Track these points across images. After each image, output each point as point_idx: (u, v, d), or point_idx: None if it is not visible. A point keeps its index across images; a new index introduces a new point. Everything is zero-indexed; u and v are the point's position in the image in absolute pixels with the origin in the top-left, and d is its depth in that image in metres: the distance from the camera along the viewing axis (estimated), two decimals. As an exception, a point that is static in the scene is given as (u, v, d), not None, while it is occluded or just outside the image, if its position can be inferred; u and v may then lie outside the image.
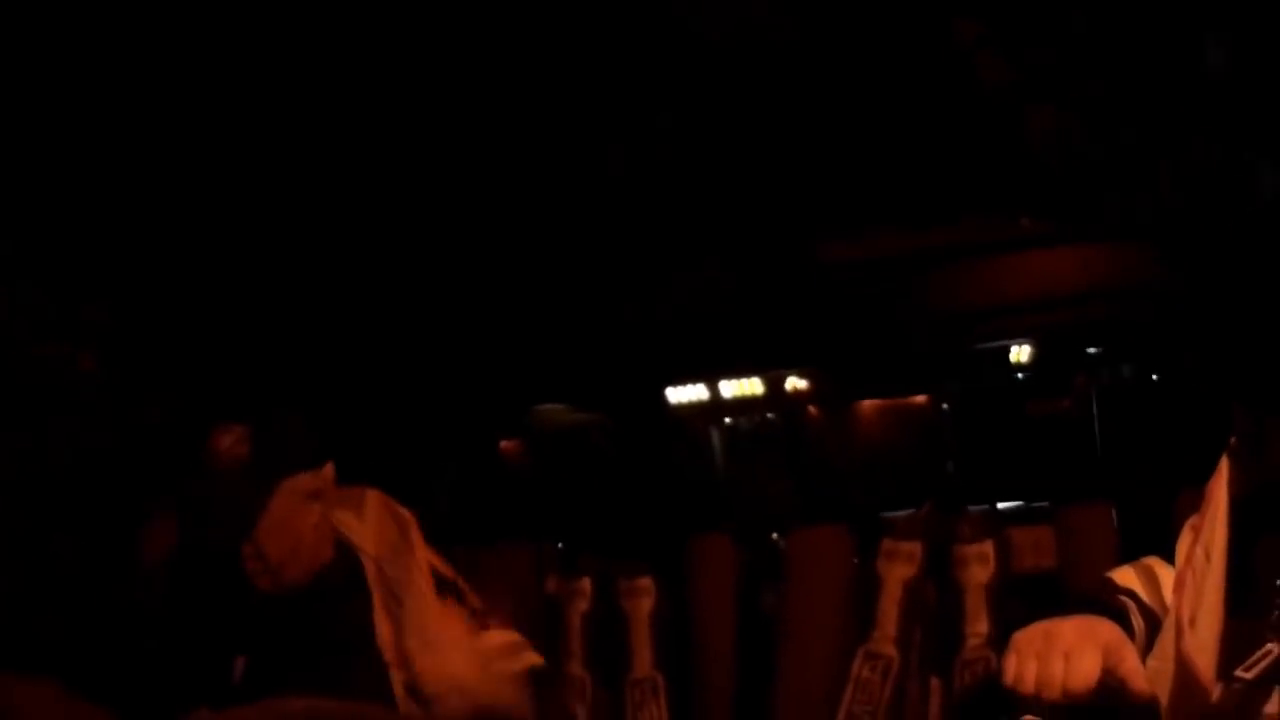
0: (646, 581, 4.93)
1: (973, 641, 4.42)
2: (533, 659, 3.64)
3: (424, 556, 3.60)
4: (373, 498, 3.64)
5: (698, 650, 4.83)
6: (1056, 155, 5.41)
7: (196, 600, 3.45)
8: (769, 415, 9.59)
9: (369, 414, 5.89)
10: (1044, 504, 4.85)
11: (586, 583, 5.00)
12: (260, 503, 3.35)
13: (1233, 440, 2.54)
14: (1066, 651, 2.27)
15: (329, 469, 3.48)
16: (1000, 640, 3.92)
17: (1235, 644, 2.32)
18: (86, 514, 4.05)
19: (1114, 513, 4.47)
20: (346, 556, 3.50)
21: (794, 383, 9.26)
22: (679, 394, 9.02)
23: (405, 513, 3.67)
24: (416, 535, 3.63)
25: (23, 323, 4.53)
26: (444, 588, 3.60)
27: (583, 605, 4.97)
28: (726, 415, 9.54)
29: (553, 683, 3.70)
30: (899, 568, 4.61)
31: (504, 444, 8.57)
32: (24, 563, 3.89)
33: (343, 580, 3.46)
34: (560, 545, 5.26)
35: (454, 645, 3.49)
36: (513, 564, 5.08)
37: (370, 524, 3.58)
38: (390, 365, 5.97)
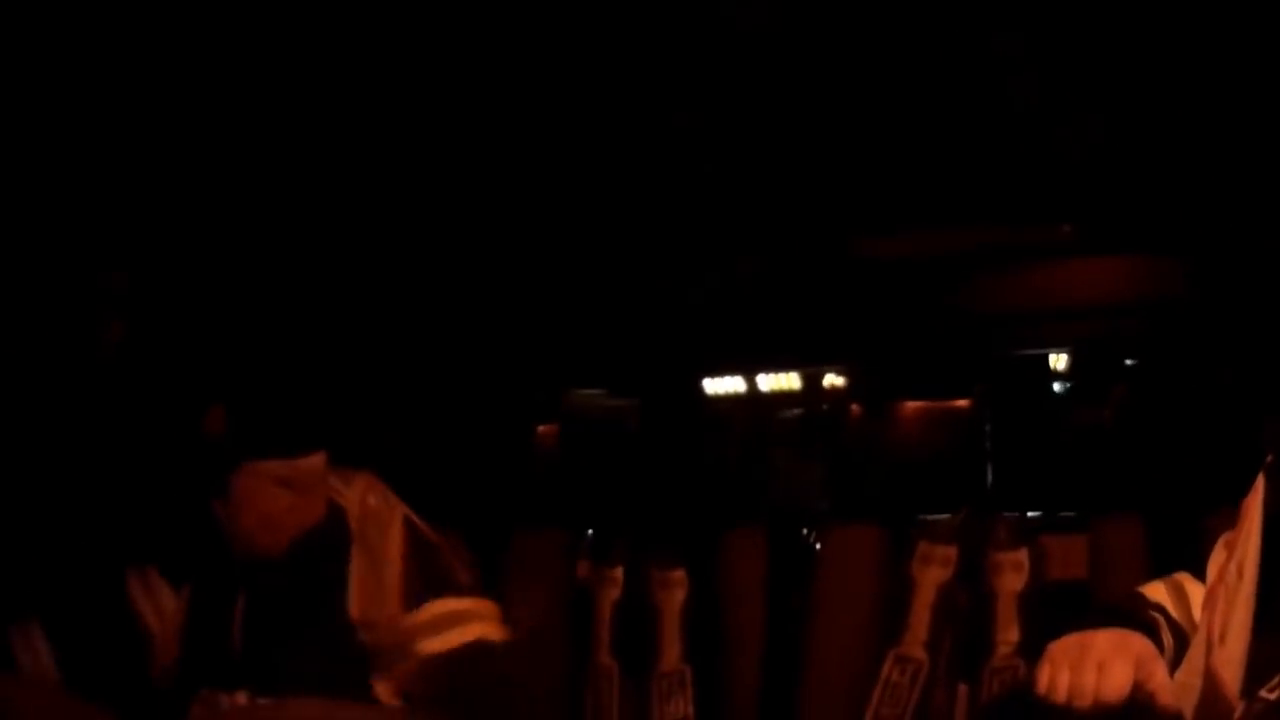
0: (679, 574, 4.92)
1: (1003, 649, 4.41)
2: (483, 630, 3.64)
3: (402, 514, 3.65)
4: (362, 475, 3.71)
5: (727, 645, 4.83)
6: (1101, 165, 5.41)
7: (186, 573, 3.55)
8: (807, 410, 9.60)
9: (404, 400, 5.92)
10: (1077, 514, 4.84)
11: (619, 571, 4.99)
12: (226, 478, 3.46)
13: (1270, 457, 2.55)
14: (1100, 662, 2.28)
15: (314, 460, 3.55)
16: (1030, 649, 3.92)
17: (1261, 662, 2.34)
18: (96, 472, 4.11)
19: (1146, 526, 4.46)
20: (335, 519, 3.56)
21: (832, 379, 9.28)
22: (716, 385, 9.04)
23: (392, 496, 3.73)
24: (399, 505, 3.68)
25: (42, 291, 4.58)
26: (420, 552, 3.65)
27: (614, 593, 4.97)
28: (764, 408, 9.55)
29: (505, 653, 3.68)
30: (933, 571, 4.60)
31: (540, 429, 8.59)
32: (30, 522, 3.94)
33: (325, 544, 3.53)
34: (593, 532, 5.26)
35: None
36: (545, 549, 5.08)
37: (355, 490, 3.65)
38: (426, 351, 5.99)
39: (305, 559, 3.51)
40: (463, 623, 3.58)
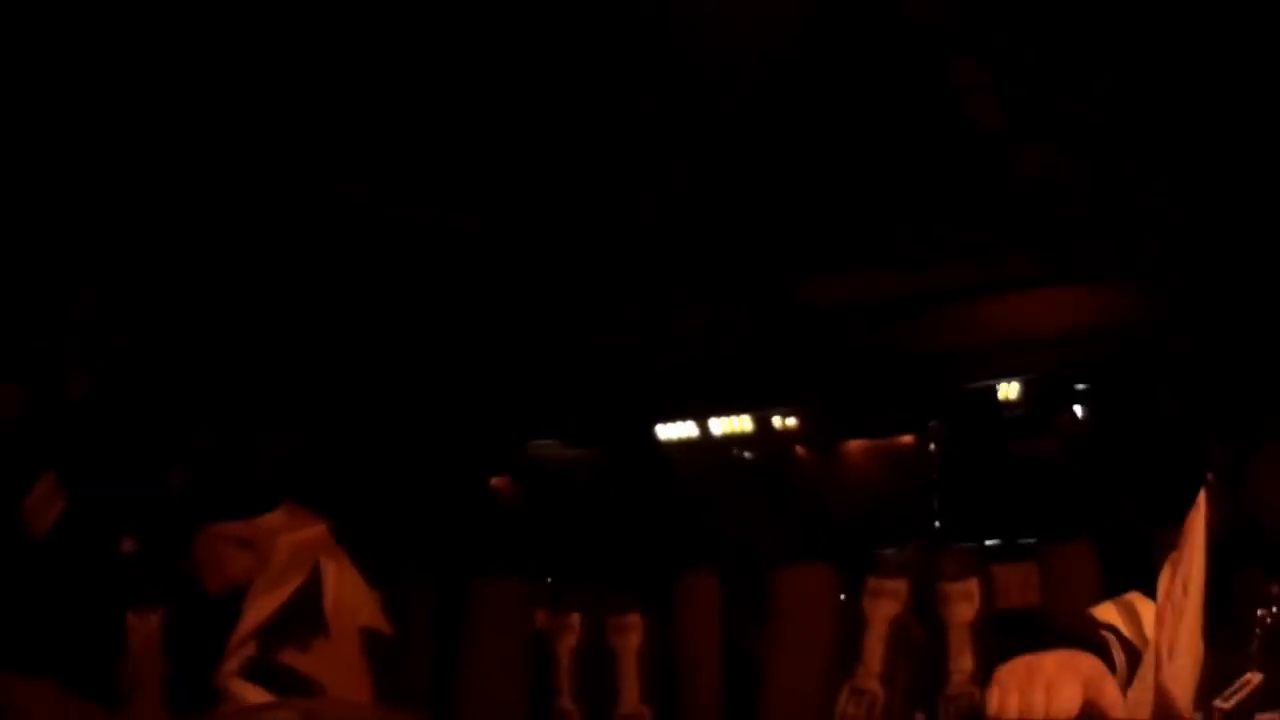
0: (634, 618, 4.94)
1: (957, 678, 4.43)
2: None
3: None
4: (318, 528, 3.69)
5: (684, 686, 4.84)
6: (1044, 198, 5.45)
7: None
8: (758, 453, 9.60)
9: (360, 451, 5.91)
10: (1029, 541, 4.88)
11: (575, 618, 5.01)
12: (189, 539, 3.47)
13: (1209, 475, 2.57)
14: (1048, 683, 2.30)
15: (274, 518, 3.54)
16: (985, 676, 3.94)
17: (1214, 674, 2.36)
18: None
19: (1097, 550, 4.49)
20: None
21: (782, 421, 9.29)
22: (669, 431, 9.05)
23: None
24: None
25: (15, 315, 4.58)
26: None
27: (571, 640, 4.98)
28: (715, 452, 9.55)
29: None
30: (885, 605, 4.63)
31: (495, 481, 8.58)
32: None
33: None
34: (550, 581, 5.27)
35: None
36: (503, 599, 5.09)
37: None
38: (382, 402, 5.99)
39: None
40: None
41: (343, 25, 4.04)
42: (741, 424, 9.14)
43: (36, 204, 4.62)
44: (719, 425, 9.15)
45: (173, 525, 3.56)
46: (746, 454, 9.69)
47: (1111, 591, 2.82)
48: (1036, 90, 4.66)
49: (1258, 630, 2.33)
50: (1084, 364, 7.19)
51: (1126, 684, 2.50)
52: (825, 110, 4.83)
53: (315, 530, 3.68)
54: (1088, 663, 2.37)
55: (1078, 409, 7.84)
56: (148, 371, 4.96)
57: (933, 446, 7.99)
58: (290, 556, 3.55)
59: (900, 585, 4.64)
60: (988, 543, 5.12)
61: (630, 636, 4.93)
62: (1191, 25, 4.16)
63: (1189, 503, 2.59)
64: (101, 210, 4.77)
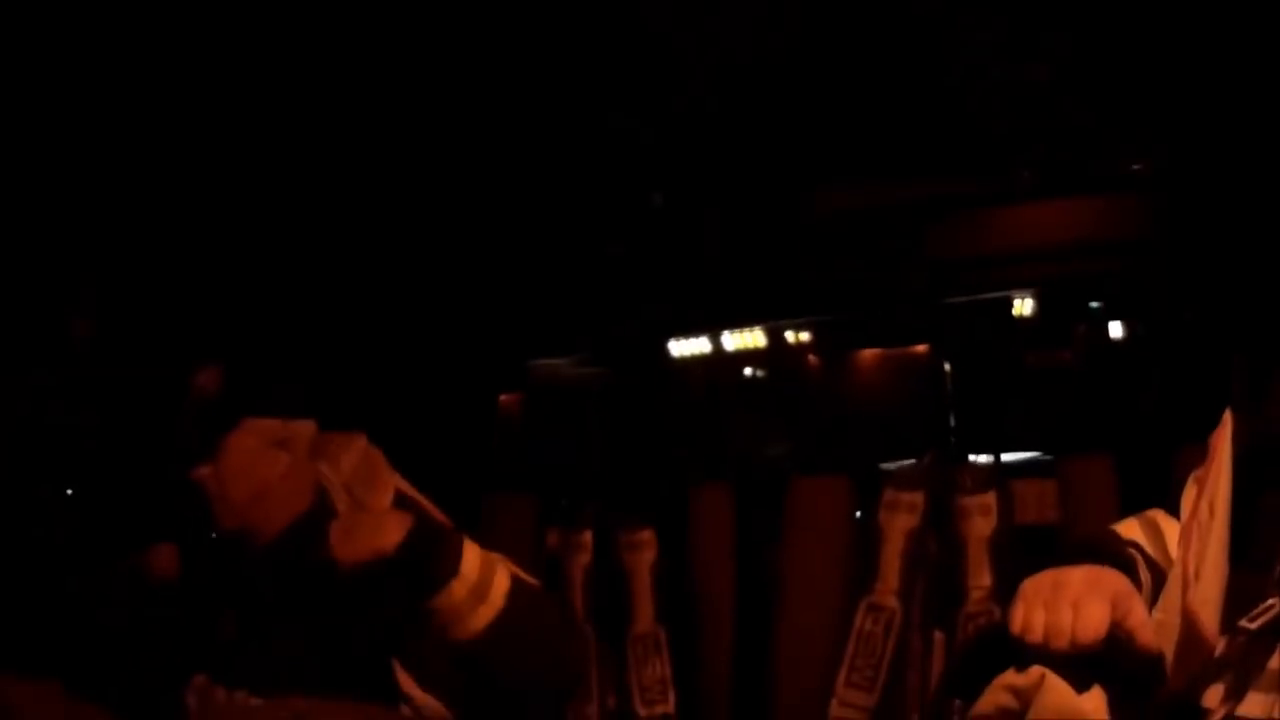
0: (647, 534, 4.92)
1: (976, 594, 4.41)
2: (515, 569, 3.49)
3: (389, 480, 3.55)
4: (355, 442, 3.60)
5: (699, 604, 4.83)
6: (1057, 108, 5.40)
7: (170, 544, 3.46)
8: (769, 367, 9.60)
9: (367, 370, 5.88)
10: (1047, 456, 4.85)
11: (587, 536, 4.99)
12: (218, 442, 3.31)
13: (1235, 392, 2.52)
14: (1075, 601, 2.25)
15: (308, 426, 3.45)
16: (1003, 593, 3.91)
17: (1239, 597, 2.32)
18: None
19: (1115, 465, 4.46)
20: (324, 507, 3.46)
21: (794, 334, 9.27)
22: (679, 347, 9.02)
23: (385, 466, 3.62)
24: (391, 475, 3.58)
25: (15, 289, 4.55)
26: (402, 504, 3.55)
27: (584, 559, 4.97)
28: (726, 367, 9.54)
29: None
30: (901, 518, 4.60)
31: (504, 398, 8.57)
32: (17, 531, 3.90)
33: (317, 529, 3.42)
34: (561, 499, 5.25)
35: None
36: (514, 517, 5.07)
37: (345, 465, 3.54)
38: (388, 322, 5.97)
39: (296, 546, 3.41)
40: (492, 579, 3.40)
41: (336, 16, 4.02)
42: (753, 337, 9.12)
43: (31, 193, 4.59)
44: (730, 338, 9.13)
45: (202, 427, 3.43)
46: (759, 367, 9.68)
47: (1131, 508, 2.78)
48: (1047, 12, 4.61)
49: None
50: (1100, 275, 7.15)
51: (1151, 603, 2.46)
52: (832, 25, 4.79)
53: (357, 449, 3.61)
54: (1116, 580, 2.32)
55: (1094, 322, 7.81)
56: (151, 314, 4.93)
57: (945, 356, 7.97)
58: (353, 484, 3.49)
59: (916, 498, 4.61)
60: (1005, 457, 5.10)
61: (643, 553, 4.92)
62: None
63: (1211, 418, 2.55)
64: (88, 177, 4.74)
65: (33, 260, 4.71)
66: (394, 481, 3.51)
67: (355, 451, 3.50)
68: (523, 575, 3.18)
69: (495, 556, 3.15)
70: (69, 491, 4.16)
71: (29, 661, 3.20)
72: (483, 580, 3.09)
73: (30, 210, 4.69)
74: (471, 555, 3.07)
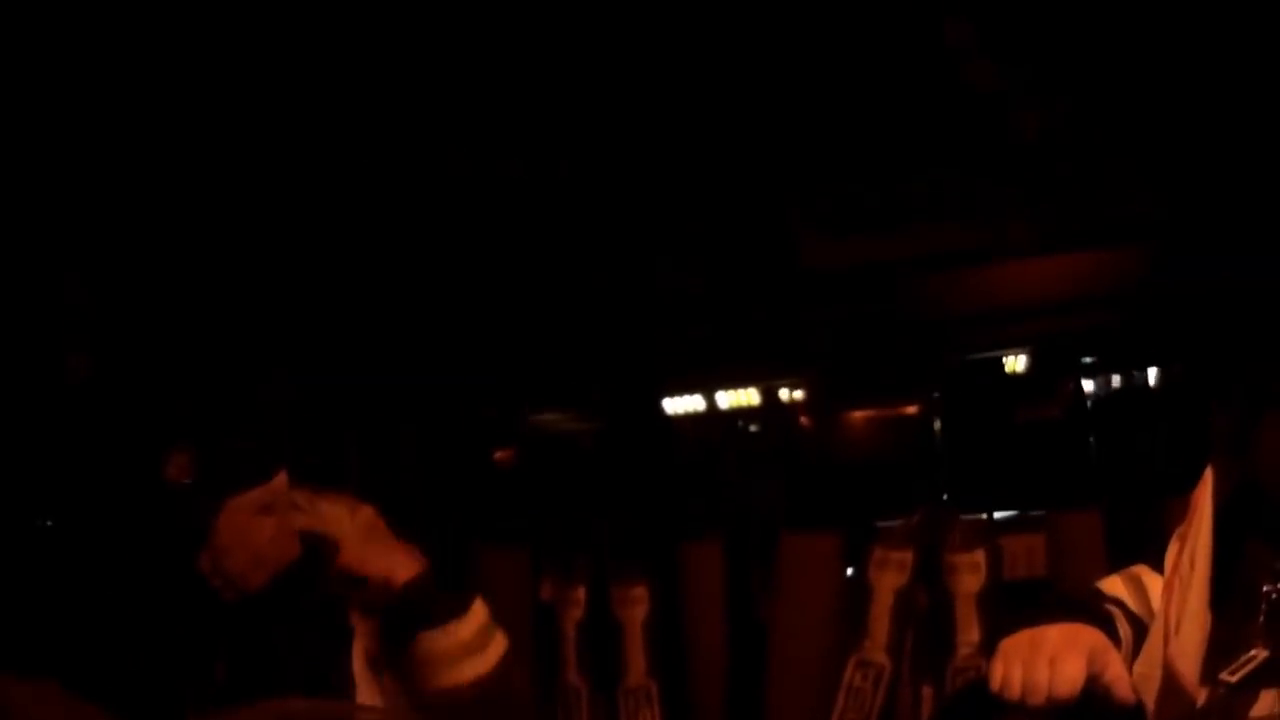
0: (640, 590, 4.94)
1: (964, 650, 4.43)
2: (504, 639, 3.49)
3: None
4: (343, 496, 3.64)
5: (691, 657, 4.84)
6: (1045, 161, 5.43)
7: (165, 613, 3.48)
8: (762, 424, 9.61)
9: (364, 424, 5.91)
10: (1036, 512, 4.87)
11: (581, 591, 5.01)
12: (208, 523, 3.37)
13: (1216, 442, 2.56)
14: (1052, 657, 2.29)
15: (280, 479, 3.48)
16: (992, 648, 3.93)
17: (1220, 647, 2.35)
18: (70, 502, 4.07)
19: (1104, 520, 4.48)
20: (312, 546, 3.49)
21: (787, 392, 9.29)
22: (674, 403, 9.06)
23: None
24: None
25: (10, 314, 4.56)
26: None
27: (577, 613, 4.98)
28: (720, 424, 9.56)
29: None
30: (890, 576, 4.62)
31: (499, 451, 8.59)
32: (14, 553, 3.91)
33: (307, 566, 3.45)
34: (555, 552, 5.26)
35: None
36: (507, 570, 5.09)
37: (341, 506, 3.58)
38: (385, 374, 5.99)
39: (287, 591, 3.45)
40: (492, 637, 3.42)
41: (335, 13, 4.05)
42: (745, 393, 9.15)
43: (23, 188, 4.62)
44: (724, 396, 9.16)
45: (183, 516, 3.49)
46: (752, 424, 9.69)
47: (1119, 563, 2.81)
48: (1033, 51, 4.64)
49: (1263, 605, 2.32)
50: (1087, 331, 7.18)
51: (1132, 658, 2.49)
52: (825, 74, 4.82)
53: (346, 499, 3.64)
54: (1092, 636, 2.36)
55: (1083, 378, 7.84)
56: (145, 348, 4.94)
57: (936, 414, 7.99)
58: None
59: (906, 555, 4.64)
60: (995, 514, 5.11)
61: (636, 608, 4.93)
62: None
63: (1197, 472, 2.58)
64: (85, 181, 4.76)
65: (34, 292, 4.73)
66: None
67: (363, 517, 3.53)
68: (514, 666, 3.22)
69: (498, 626, 3.18)
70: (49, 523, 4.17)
71: (29, 661, 3.22)
72: (486, 632, 3.13)
73: (33, 243, 4.72)
74: (480, 607, 3.12)
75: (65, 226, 4.82)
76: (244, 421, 3.61)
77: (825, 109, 5.07)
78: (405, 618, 3.11)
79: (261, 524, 3.41)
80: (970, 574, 4.49)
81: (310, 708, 2.92)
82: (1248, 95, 4.78)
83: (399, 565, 3.09)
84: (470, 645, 3.11)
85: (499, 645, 3.16)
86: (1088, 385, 7.64)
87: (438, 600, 3.08)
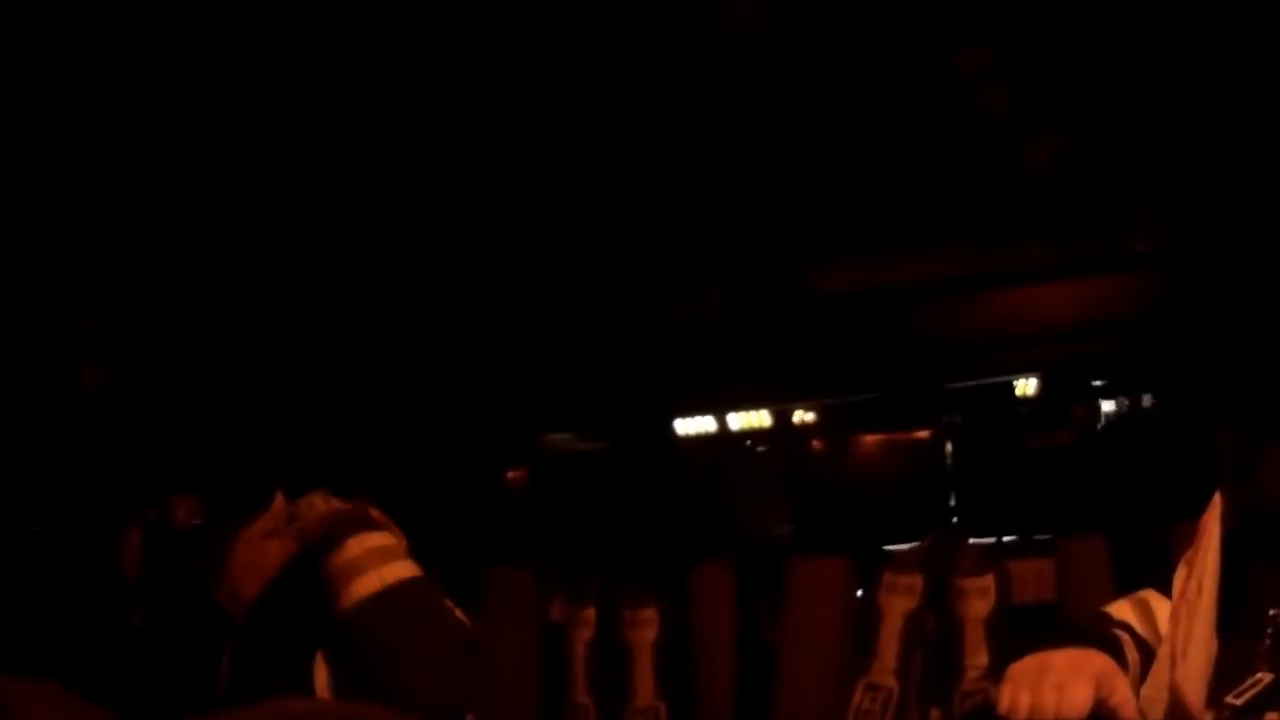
0: (650, 612, 4.94)
1: (972, 674, 4.43)
2: (410, 567, 3.54)
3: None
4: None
5: (699, 680, 4.85)
6: (1058, 188, 5.43)
7: (176, 627, 3.53)
8: (773, 447, 9.60)
9: (374, 444, 5.92)
10: (1044, 537, 4.87)
11: (591, 612, 5.01)
12: (222, 557, 3.43)
13: (1225, 467, 2.57)
14: (1059, 682, 2.30)
15: (278, 501, 3.54)
16: (1000, 672, 3.93)
17: (1227, 671, 2.35)
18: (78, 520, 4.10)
19: (1111, 545, 4.49)
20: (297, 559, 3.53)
21: (798, 415, 9.30)
22: (684, 425, 9.06)
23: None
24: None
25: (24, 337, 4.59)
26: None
27: (586, 634, 4.99)
28: (731, 446, 9.55)
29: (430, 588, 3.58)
30: (899, 600, 4.62)
31: (509, 473, 8.59)
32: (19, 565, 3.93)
33: (299, 572, 3.49)
34: (565, 573, 5.27)
35: None
36: (517, 591, 5.10)
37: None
38: (395, 397, 6.00)
39: (282, 597, 3.49)
40: (391, 559, 3.46)
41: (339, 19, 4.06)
42: (756, 416, 9.15)
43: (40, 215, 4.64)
44: (735, 419, 9.17)
45: (194, 553, 3.53)
46: (762, 447, 9.69)
47: (1127, 587, 2.81)
48: (1045, 78, 4.65)
49: (1269, 629, 2.33)
50: (1097, 357, 7.18)
51: (1140, 682, 2.50)
52: (836, 99, 4.83)
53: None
54: (1099, 661, 2.37)
55: (1092, 403, 7.84)
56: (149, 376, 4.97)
57: (946, 439, 8.00)
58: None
59: (915, 580, 4.64)
60: (1004, 539, 5.12)
61: (646, 630, 4.94)
62: (1202, 10, 4.16)
63: (1205, 497, 2.59)
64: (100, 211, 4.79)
65: (49, 303, 4.76)
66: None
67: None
68: (438, 591, 3.27)
69: (416, 565, 3.24)
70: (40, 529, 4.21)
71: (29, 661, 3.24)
72: (380, 551, 3.18)
73: (49, 256, 4.74)
74: (378, 533, 3.23)
75: (83, 254, 4.84)
76: (242, 455, 3.67)
77: (838, 135, 5.08)
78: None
79: (268, 548, 3.48)
80: (979, 598, 4.50)
81: (310, 708, 2.95)
82: (1258, 121, 4.79)
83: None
84: (363, 559, 3.23)
85: (400, 570, 3.26)
86: (1107, 407, 7.66)
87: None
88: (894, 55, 4.56)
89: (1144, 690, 2.48)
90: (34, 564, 3.92)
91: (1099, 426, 7.41)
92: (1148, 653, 2.57)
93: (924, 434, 8.32)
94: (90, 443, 4.48)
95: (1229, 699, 2.30)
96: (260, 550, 3.48)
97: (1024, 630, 4.36)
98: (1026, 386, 7.99)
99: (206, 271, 5.24)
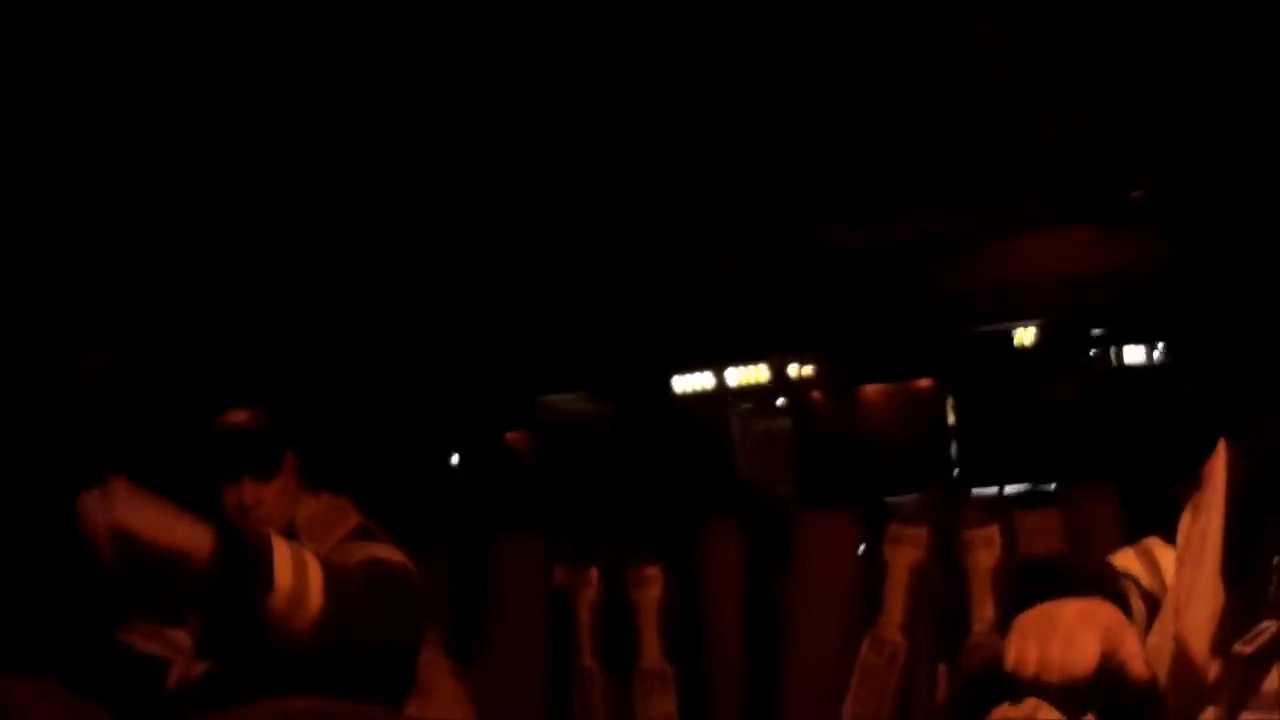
0: (654, 570, 4.93)
1: (979, 626, 4.42)
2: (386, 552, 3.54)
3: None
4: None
5: (706, 638, 4.84)
6: (1061, 139, 5.42)
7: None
8: (775, 401, 9.62)
9: (375, 409, 5.91)
10: (1050, 487, 4.86)
11: (594, 573, 5.00)
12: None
13: (1236, 415, 2.56)
14: (1066, 634, 2.29)
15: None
16: (1007, 625, 3.92)
17: (1233, 620, 2.35)
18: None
19: (1119, 493, 4.47)
20: None
21: (799, 369, 9.30)
22: (685, 382, 9.06)
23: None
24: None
25: (32, 315, 4.58)
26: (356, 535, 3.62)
27: (591, 595, 4.98)
28: (733, 402, 9.57)
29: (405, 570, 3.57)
30: (905, 552, 4.61)
31: (511, 435, 8.60)
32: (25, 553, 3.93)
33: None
34: (568, 535, 5.26)
35: None
36: (521, 554, 5.08)
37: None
38: (396, 360, 5.99)
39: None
40: (367, 545, 3.51)
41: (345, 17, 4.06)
42: (759, 373, 9.16)
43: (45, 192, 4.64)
44: (736, 374, 9.17)
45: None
46: (765, 402, 9.70)
47: (1135, 536, 2.81)
48: (1053, 41, 4.63)
49: (1276, 577, 2.32)
50: (1101, 307, 7.17)
51: (1145, 632, 2.50)
52: (837, 57, 4.81)
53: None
54: (1107, 612, 2.37)
55: (1097, 350, 7.83)
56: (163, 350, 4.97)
57: (949, 390, 7.99)
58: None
59: (921, 532, 4.63)
60: (1009, 489, 5.10)
61: (651, 589, 4.92)
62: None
63: (1211, 447, 2.58)
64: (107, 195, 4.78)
65: (54, 287, 4.75)
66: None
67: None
68: (331, 563, 3.22)
69: (305, 553, 3.19)
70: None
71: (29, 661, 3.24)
72: (298, 587, 3.13)
73: (55, 241, 4.74)
74: (283, 562, 3.10)
75: (89, 234, 4.84)
76: (288, 401, 3.67)
77: (839, 93, 5.06)
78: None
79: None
80: (985, 550, 4.48)
81: (310, 707, 2.94)
82: (1266, 74, 4.77)
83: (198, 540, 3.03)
84: (290, 604, 3.10)
85: (315, 581, 3.14)
86: (1111, 358, 7.64)
87: (245, 583, 3.05)
88: (900, 21, 4.55)
89: (1150, 639, 2.48)
90: (35, 559, 3.91)
91: (1105, 375, 7.41)
92: (1153, 603, 2.57)
93: (926, 385, 8.32)
94: (95, 428, 4.47)
95: (1236, 648, 2.29)
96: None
97: (1031, 582, 4.35)
98: (1025, 336, 7.99)
99: (207, 241, 5.23)
